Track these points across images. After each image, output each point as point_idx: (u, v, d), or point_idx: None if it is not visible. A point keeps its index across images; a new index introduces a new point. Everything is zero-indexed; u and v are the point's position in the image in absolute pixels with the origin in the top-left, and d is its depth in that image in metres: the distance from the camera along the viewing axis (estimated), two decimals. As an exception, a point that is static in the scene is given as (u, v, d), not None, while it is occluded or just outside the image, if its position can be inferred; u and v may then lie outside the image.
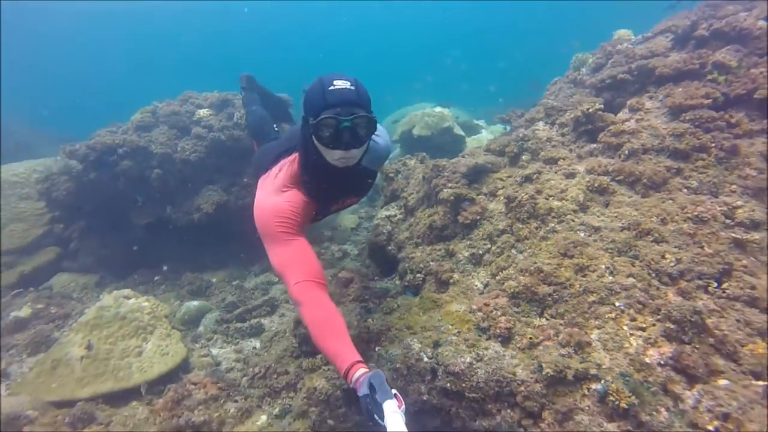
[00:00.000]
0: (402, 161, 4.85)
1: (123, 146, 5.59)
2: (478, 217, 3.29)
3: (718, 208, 2.80)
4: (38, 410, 3.22)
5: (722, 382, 2.03)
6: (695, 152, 3.12)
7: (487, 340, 2.52)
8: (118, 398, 3.60)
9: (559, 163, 3.39)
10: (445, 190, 3.44)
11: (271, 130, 3.38)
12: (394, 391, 1.44)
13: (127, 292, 4.35)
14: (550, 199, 3.05)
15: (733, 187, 2.95)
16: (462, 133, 7.17)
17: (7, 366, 4.26)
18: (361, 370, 1.55)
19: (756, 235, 2.65)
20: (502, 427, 2.31)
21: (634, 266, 2.53)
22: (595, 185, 3.03)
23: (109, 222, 6.18)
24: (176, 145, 5.90)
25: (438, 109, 7.30)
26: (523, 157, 3.64)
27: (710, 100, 3.31)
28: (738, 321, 2.24)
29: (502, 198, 3.26)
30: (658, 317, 2.28)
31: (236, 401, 3.33)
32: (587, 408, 2.13)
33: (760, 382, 1.99)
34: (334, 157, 1.92)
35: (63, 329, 4.90)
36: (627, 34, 5.03)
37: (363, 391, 1.46)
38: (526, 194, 3.07)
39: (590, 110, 3.53)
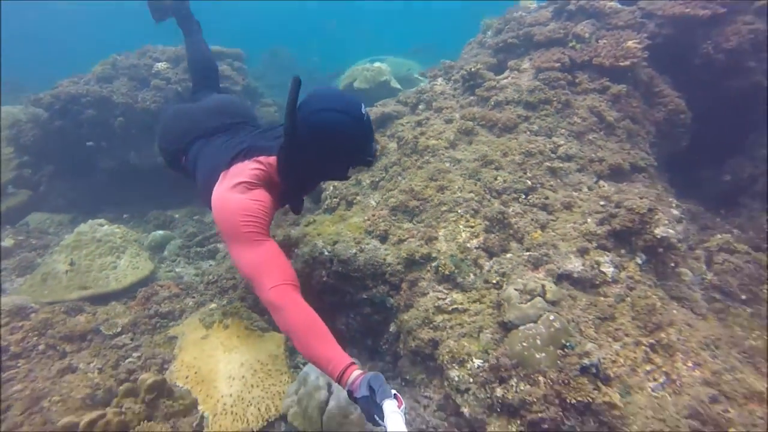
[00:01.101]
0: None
1: (86, 96, 6.19)
2: (379, 154, 4.25)
3: (547, 146, 3.83)
4: (38, 305, 4.12)
5: (507, 255, 3.12)
6: (541, 104, 4.12)
7: (370, 239, 3.54)
8: (100, 300, 4.51)
9: (443, 111, 4.34)
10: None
11: (214, 78, 3.20)
12: (393, 391, 1.45)
13: (101, 220, 5.17)
14: (430, 139, 4.02)
15: (563, 130, 3.98)
16: (399, 86, 8.00)
17: (-1, 284, 5.08)
18: (356, 372, 1.53)
19: (566, 164, 3.72)
20: (377, 297, 3.36)
21: (476, 186, 3.56)
22: (463, 128, 4.00)
23: (75, 167, 6.84)
24: (137, 96, 6.53)
25: (377, 64, 8.07)
26: (420, 107, 4.57)
27: (559, 64, 4.27)
28: (532, 219, 3.32)
29: (396, 138, 4.21)
30: (482, 219, 3.33)
31: (193, 297, 4.31)
32: (427, 277, 3.19)
33: (527, 253, 3.09)
34: (348, 174, 2.03)
35: (44, 256, 5.70)
36: (530, 3, 5.87)
37: (362, 392, 1.45)
38: (412, 135, 4.03)
39: (473, 69, 4.44)
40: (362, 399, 1.45)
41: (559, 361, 2.49)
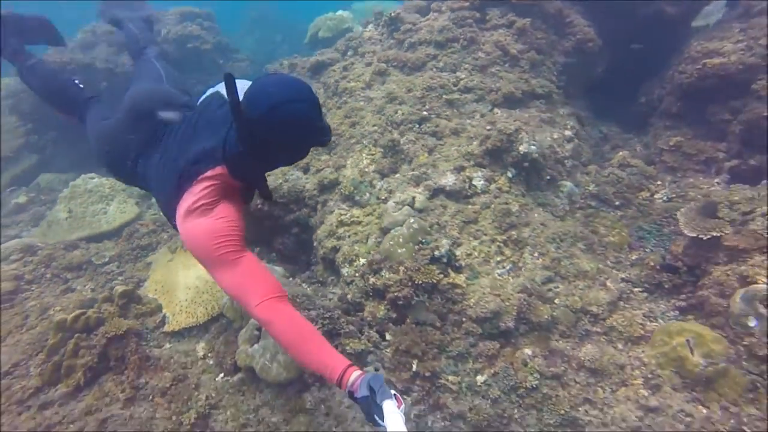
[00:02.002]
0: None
1: (71, 64, 6.86)
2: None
3: (450, 80, 4.32)
4: (43, 244, 5.05)
5: (396, 175, 3.75)
6: (449, 42, 4.55)
7: (294, 171, 4.20)
8: (94, 240, 5.41)
9: (365, 56, 4.83)
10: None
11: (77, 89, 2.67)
12: (393, 391, 1.46)
13: (92, 174, 6.00)
14: (351, 82, 4.56)
15: (467, 65, 4.44)
16: (363, 33, 8.34)
17: (18, 233, 6.06)
18: (356, 373, 1.53)
19: (464, 96, 4.22)
20: (301, 218, 4.07)
21: (380, 120, 4.13)
22: (378, 70, 4.52)
23: (74, 130, 7.63)
24: (117, 60, 7.16)
25: (339, 12, 8.34)
26: (348, 53, 5.06)
27: (469, 3, 4.65)
28: (423, 145, 3.90)
29: (322, 84, 4.76)
30: (380, 147, 3.93)
31: (167, 231, 5.15)
32: (334, 198, 3.87)
33: (411, 173, 3.70)
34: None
35: (52, 209, 6.64)
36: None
37: (362, 393, 1.45)
38: (334, 80, 4.57)
39: (393, 14, 4.87)
40: (362, 399, 1.45)
41: (414, 254, 3.17)
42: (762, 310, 2.61)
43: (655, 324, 3.14)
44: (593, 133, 5.04)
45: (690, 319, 3.09)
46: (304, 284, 3.88)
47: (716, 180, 4.18)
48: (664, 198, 4.13)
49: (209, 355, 3.58)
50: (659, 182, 4.32)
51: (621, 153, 4.71)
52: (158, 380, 3.37)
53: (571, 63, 4.87)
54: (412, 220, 3.28)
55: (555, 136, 4.19)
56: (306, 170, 4.19)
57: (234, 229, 1.74)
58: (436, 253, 3.17)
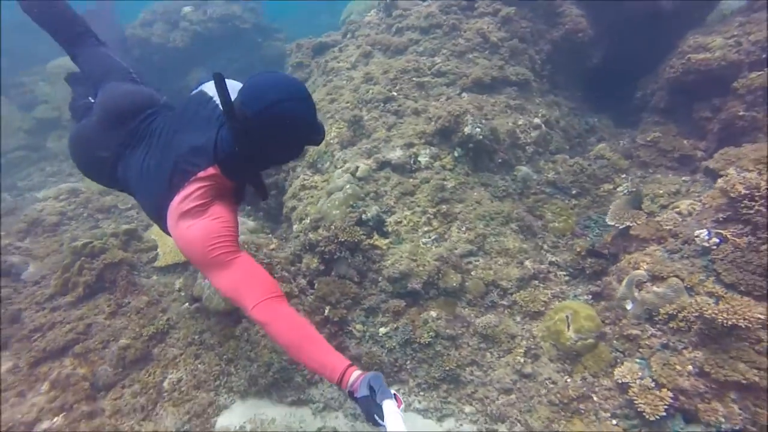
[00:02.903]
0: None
1: (131, 39, 7.89)
2: (308, 75, 5.29)
3: (425, 64, 4.58)
4: (85, 188, 6.05)
5: (354, 147, 4.12)
6: (433, 28, 4.79)
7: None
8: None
9: (359, 38, 5.19)
10: (293, 58, 5.44)
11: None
12: (393, 391, 1.46)
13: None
14: (340, 62, 4.96)
15: (445, 51, 4.66)
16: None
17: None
18: (356, 373, 1.52)
19: (436, 79, 4.47)
20: (279, 182, 4.59)
21: (352, 97, 4.50)
22: (364, 52, 4.87)
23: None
24: (169, 36, 8.10)
25: (372, -2, 8.70)
26: (347, 36, 5.45)
27: (457, -10, 4.84)
28: (383, 122, 4.22)
29: (318, 63, 5.21)
30: (345, 121, 4.31)
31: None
32: (302, 165, 4.33)
33: (366, 146, 4.05)
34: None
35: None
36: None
37: (362, 392, 1.45)
38: (326, 60, 5.00)
39: (389, 0, 5.18)
40: (362, 399, 1.44)
41: (344, 216, 3.56)
42: (636, 294, 2.71)
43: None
44: (578, 124, 5.03)
45: (599, 304, 3.20)
46: (275, 239, 4.40)
47: (684, 178, 4.09)
48: (624, 191, 4.12)
49: (183, 288, 4.24)
50: (624, 176, 4.31)
51: (600, 145, 4.72)
52: (137, 302, 4.07)
53: (560, 53, 4.90)
54: (348, 186, 3.66)
55: (519, 123, 4.32)
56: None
57: (228, 229, 1.71)
58: (363, 216, 3.54)
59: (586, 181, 4.22)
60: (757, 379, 2.27)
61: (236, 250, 1.69)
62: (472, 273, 3.45)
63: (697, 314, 2.44)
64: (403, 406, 1.44)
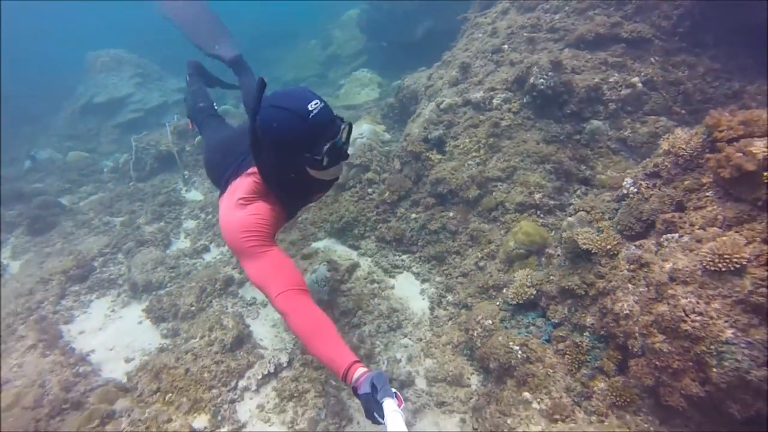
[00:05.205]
0: None
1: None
2: (469, 29, 6.41)
3: (544, 21, 5.15)
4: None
5: (454, 87, 5.28)
6: (566, -15, 5.18)
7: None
8: (352, 108, 8.95)
9: (510, -4, 5.95)
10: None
11: (208, 105, 3.20)
12: (394, 390, 1.47)
13: (364, 69, 9.47)
14: (486, 17, 5.93)
15: (567, 8, 5.06)
16: None
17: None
18: (360, 370, 1.55)
19: (547, 35, 5.03)
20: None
21: (475, 47, 5.51)
22: (503, 9, 5.69)
23: (399, 35, 11.37)
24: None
25: None
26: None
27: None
28: (484, 69, 5.17)
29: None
30: (456, 66, 5.42)
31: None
32: (427, 95, 5.77)
33: (461, 86, 5.15)
34: (330, 174, 1.91)
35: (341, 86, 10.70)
36: None
37: (364, 389, 1.46)
38: (475, 16, 6.04)
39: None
40: (364, 395, 1.46)
41: (419, 134, 4.91)
42: (565, 223, 3.30)
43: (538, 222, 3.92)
44: (712, 89, 4.63)
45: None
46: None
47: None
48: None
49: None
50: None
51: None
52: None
53: (711, 7, 4.58)
54: (428, 113, 4.97)
55: (611, 80, 4.54)
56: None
57: (263, 226, 1.85)
58: (429, 136, 4.83)
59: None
60: (582, 292, 2.78)
61: (267, 245, 1.83)
62: (493, 194, 4.36)
63: (573, 241, 2.96)
64: (403, 405, 1.46)
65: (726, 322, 2.01)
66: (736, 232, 2.16)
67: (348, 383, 1.54)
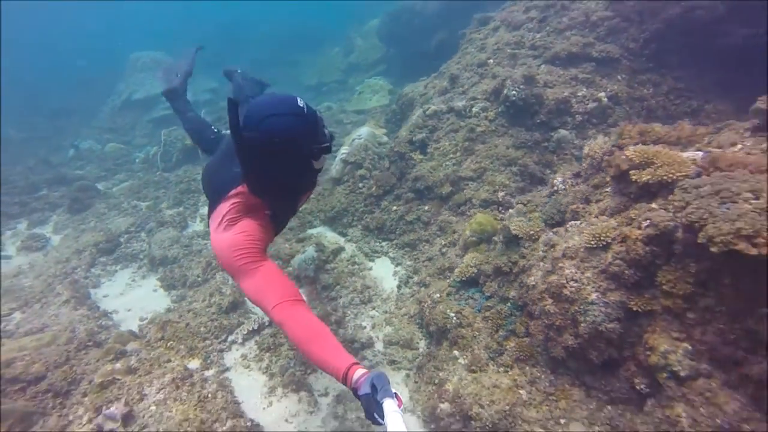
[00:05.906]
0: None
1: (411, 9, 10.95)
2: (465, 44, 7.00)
3: (527, 39, 5.67)
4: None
5: (443, 96, 5.86)
6: (549, 7, 5.70)
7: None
8: (361, 113, 9.61)
9: (498, 15, 6.49)
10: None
11: (210, 132, 3.24)
12: (394, 390, 1.48)
13: (377, 77, 10.13)
14: (478, 34, 6.50)
15: (549, 28, 5.58)
16: None
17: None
18: (360, 371, 1.56)
19: (527, 51, 5.56)
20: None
21: (465, 61, 6.08)
22: (494, 26, 6.24)
23: (414, 47, 12.01)
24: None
25: None
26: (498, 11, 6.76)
27: (582, -28, 5.51)
28: (470, 80, 5.73)
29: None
30: (445, 78, 5.99)
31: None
32: (419, 102, 6.38)
33: (447, 95, 5.73)
34: (316, 167, 1.94)
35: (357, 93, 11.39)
36: None
37: (365, 390, 1.47)
38: (470, 32, 6.62)
39: (535, -18, 6.22)
40: (364, 396, 1.47)
41: (406, 136, 5.51)
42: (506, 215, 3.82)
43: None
44: (673, 106, 5.05)
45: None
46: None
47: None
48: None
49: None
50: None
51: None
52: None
53: (673, 32, 5.02)
54: (415, 119, 5.56)
55: (579, 94, 5.03)
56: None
57: (253, 242, 1.91)
58: (414, 138, 5.42)
59: (616, 153, 4.67)
60: (508, 269, 3.31)
61: (259, 260, 1.87)
62: (464, 191, 4.90)
63: (507, 228, 3.49)
64: (403, 405, 1.46)
65: (592, 287, 2.52)
66: (612, 217, 2.67)
67: (348, 385, 1.56)
